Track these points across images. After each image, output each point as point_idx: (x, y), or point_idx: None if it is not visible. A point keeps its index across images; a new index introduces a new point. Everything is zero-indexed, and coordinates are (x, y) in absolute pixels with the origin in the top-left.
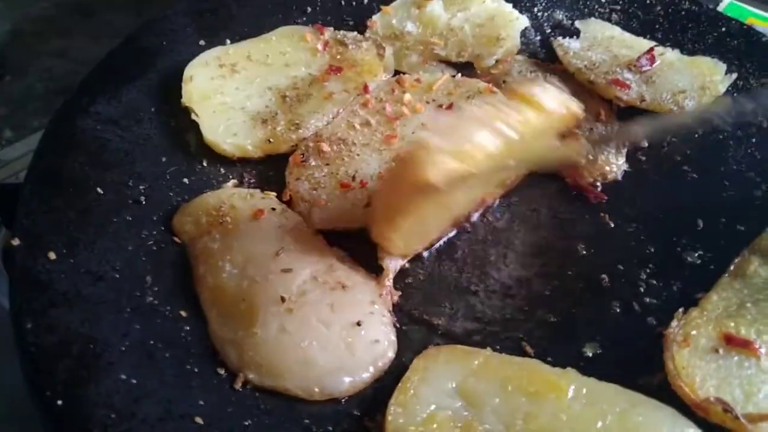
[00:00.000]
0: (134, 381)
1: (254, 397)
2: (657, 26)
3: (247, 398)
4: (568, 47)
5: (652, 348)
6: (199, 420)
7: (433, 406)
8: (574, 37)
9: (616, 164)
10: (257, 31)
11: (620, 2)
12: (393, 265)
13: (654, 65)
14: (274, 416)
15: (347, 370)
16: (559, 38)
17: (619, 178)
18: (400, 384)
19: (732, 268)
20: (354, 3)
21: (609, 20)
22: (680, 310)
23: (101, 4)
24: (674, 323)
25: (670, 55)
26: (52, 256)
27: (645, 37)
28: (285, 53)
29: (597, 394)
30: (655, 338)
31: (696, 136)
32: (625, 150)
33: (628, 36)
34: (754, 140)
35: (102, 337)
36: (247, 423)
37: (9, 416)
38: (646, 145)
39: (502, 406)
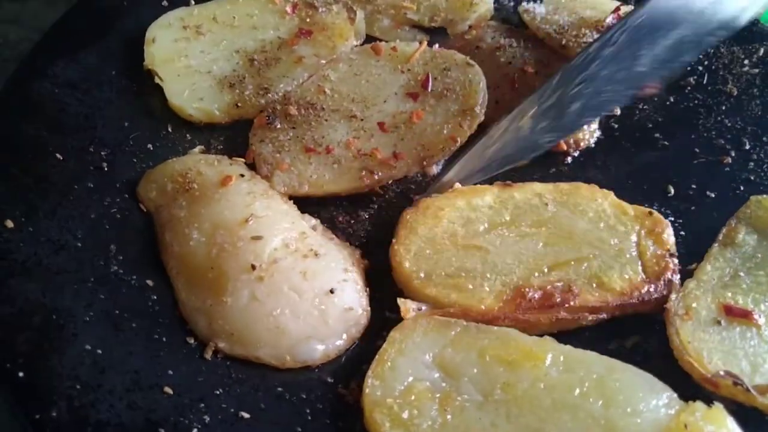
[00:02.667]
0: (100, 351)
1: (225, 366)
2: None
3: (218, 367)
4: (534, 13)
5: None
6: (168, 390)
7: (410, 378)
8: (539, 1)
9: (588, 131)
10: None
11: None
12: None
13: None
14: (246, 385)
15: (320, 338)
16: (524, 4)
17: (592, 144)
18: (377, 356)
19: (720, 237)
20: None
21: None
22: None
23: None
24: (673, 296)
25: None
26: (10, 224)
27: None
28: (252, 15)
29: (574, 361)
30: None
31: (667, 103)
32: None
33: None
34: (723, 108)
35: (65, 308)
36: (218, 392)
37: None
38: (618, 112)
39: (479, 376)
